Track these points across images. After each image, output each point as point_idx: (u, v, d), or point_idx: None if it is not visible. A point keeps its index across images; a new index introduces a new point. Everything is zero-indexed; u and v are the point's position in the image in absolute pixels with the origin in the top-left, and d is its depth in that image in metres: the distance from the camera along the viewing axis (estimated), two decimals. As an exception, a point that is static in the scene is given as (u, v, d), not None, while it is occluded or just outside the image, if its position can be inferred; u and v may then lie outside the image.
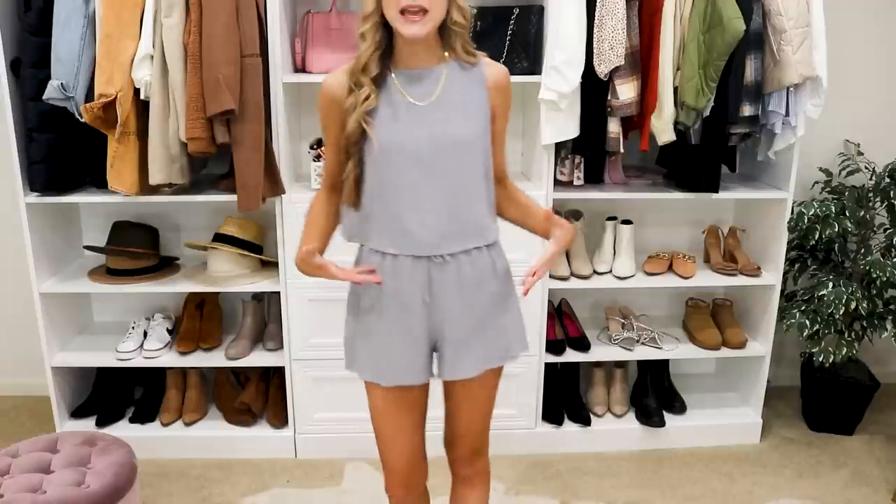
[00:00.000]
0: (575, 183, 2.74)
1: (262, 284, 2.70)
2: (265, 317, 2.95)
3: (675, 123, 2.54)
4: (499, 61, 1.93)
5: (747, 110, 2.55)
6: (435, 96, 1.59)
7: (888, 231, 2.83)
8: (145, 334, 2.83)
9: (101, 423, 2.79)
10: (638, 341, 2.88)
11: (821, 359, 2.77)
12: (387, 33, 1.56)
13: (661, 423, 2.86)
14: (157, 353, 2.76)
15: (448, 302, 1.65)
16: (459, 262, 1.64)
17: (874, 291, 2.81)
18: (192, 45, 2.32)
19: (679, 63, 2.49)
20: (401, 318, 1.66)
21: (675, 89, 2.51)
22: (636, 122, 2.60)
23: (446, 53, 1.60)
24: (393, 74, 1.60)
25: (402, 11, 1.48)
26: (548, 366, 2.80)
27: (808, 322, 2.78)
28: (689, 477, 2.73)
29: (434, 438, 1.87)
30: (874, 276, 2.70)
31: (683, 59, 2.47)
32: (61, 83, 2.36)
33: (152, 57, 2.35)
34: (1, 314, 3.15)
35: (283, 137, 2.54)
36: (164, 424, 2.81)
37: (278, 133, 2.52)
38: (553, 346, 2.79)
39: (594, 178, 2.78)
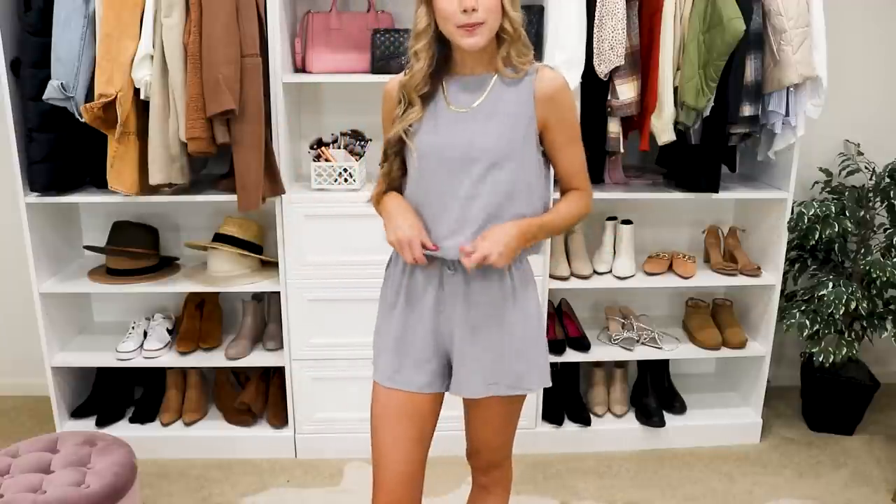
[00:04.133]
0: (575, 183, 2.73)
1: (262, 284, 2.70)
2: (265, 317, 2.95)
3: (675, 123, 2.54)
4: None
5: (747, 110, 2.55)
6: (476, 104, 1.58)
7: (888, 231, 2.83)
8: (145, 334, 2.83)
9: (101, 423, 2.79)
10: (638, 341, 2.88)
11: (821, 359, 2.77)
12: (439, 46, 1.57)
13: (661, 423, 2.86)
14: (157, 353, 2.76)
15: (458, 318, 1.64)
16: (471, 277, 1.61)
17: (874, 291, 2.81)
18: (192, 45, 2.32)
19: (679, 63, 2.49)
20: (411, 321, 1.66)
21: (675, 89, 2.51)
22: (636, 122, 2.60)
23: (499, 62, 1.58)
24: (444, 82, 1.61)
25: (460, 25, 1.48)
26: (548, 366, 2.80)
27: (808, 322, 2.78)
28: (689, 477, 2.73)
29: (447, 438, 1.83)
30: (874, 276, 2.70)
31: (683, 59, 2.47)
32: (61, 83, 2.36)
33: (152, 57, 2.35)
34: (1, 314, 3.15)
35: (283, 137, 2.54)
36: (164, 424, 2.81)
37: (278, 133, 2.52)
38: (553, 346, 2.79)
39: (594, 178, 2.72)
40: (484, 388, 1.66)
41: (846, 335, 2.84)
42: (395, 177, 1.69)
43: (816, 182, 3.02)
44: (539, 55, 2.53)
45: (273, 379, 2.93)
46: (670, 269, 2.87)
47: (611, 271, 2.83)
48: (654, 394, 2.96)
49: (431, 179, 1.61)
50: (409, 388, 1.67)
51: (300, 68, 2.65)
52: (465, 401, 1.75)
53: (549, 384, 1.72)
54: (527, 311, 1.67)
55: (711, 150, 2.62)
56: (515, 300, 1.65)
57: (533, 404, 2.81)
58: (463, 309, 1.63)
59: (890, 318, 2.82)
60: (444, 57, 1.60)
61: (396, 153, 1.66)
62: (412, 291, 1.67)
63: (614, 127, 2.56)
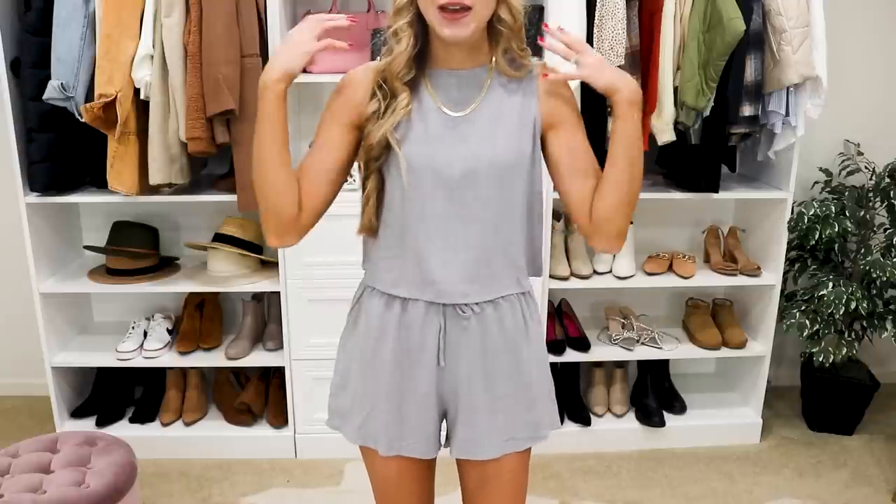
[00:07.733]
0: (575, 183, 2.73)
1: (262, 284, 2.70)
2: (265, 317, 2.95)
3: (675, 123, 2.54)
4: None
5: (747, 110, 2.55)
6: (473, 107, 1.35)
7: (888, 231, 2.83)
8: (145, 334, 2.83)
9: (101, 423, 2.79)
10: (638, 341, 2.88)
11: (821, 359, 2.77)
12: (422, 27, 1.32)
13: (661, 423, 2.86)
14: (157, 353, 2.76)
15: (467, 370, 1.40)
16: (486, 321, 1.38)
17: (874, 291, 2.81)
18: (192, 45, 2.32)
19: (679, 63, 2.49)
20: (407, 378, 1.41)
21: (675, 89, 2.51)
22: (636, 122, 2.60)
23: (493, 56, 1.36)
24: (427, 76, 1.35)
25: (442, 7, 1.24)
26: (548, 366, 2.80)
27: (808, 322, 2.78)
28: (689, 477, 2.73)
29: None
30: (874, 276, 2.70)
31: (683, 59, 2.47)
32: (61, 83, 2.36)
33: (152, 57, 2.36)
34: (1, 314, 3.15)
35: (283, 137, 2.54)
36: (164, 424, 2.81)
37: (278, 133, 2.52)
38: (553, 346, 2.79)
39: (594, 177, 2.78)
40: (499, 446, 1.43)
41: (846, 335, 2.84)
42: (373, 203, 1.38)
43: (816, 182, 3.02)
44: (538, 55, 2.52)
45: (273, 379, 2.93)
46: (670, 269, 2.87)
47: (611, 271, 2.83)
48: (654, 394, 2.96)
49: (424, 200, 1.33)
50: (415, 455, 1.45)
51: (300, 68, 2.65)
52: (465, 466, 1.50)
53: (559, 425, 1.52)
54: (539, 350, 1.48)
55: (711, 150, 2.63)
56: (529, 339, 1.44)
57: (533, 404, 2.81)
58: (475, 359, 1.40)
59: (890, 318, 2.82)
60: (423, 46, 1.35)
61: (377, 159, 1.35)
62: (406, 346, 1.40)
63: (614, 127, 2.56)
